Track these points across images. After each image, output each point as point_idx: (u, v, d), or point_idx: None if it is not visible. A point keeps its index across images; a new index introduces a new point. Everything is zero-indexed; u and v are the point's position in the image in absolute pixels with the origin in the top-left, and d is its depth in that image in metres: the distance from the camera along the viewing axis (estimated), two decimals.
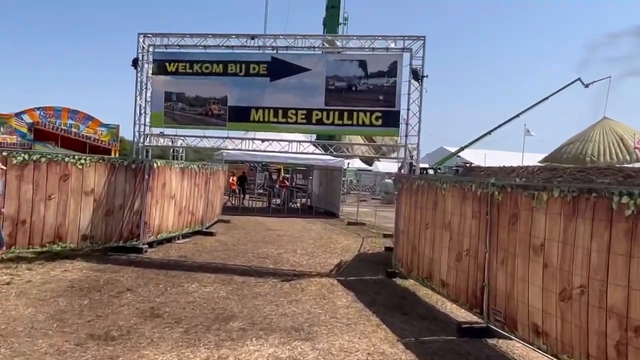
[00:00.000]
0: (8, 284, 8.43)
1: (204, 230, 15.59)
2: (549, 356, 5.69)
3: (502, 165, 37.03)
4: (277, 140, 12.63)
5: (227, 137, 12.54)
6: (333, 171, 24.77)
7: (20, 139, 37.25)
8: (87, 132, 38.98)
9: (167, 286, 8.99)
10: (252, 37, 11.91)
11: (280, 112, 11.74)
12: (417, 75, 10.98)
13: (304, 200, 28.91)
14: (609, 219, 4.90)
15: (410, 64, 11.17)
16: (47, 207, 10.34)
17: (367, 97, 11.31)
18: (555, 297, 5.54)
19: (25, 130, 37.87)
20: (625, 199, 4.73)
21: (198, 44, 12.24)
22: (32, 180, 10.09)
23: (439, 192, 8.78)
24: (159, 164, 12.49)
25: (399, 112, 11.28)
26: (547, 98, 52.16)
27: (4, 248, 9.64)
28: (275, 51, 11.87)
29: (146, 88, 12.46)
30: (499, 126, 51.72)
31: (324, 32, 41.21)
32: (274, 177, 32.46)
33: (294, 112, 11.69)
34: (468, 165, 42.63)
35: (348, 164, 43.61)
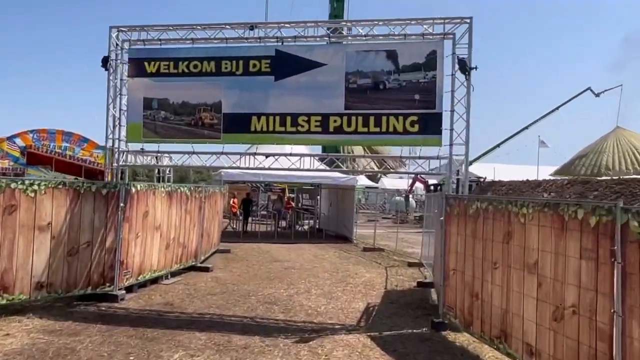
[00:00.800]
0: None
1: (199, 265, 13.10)
2: None
3: (525, 179, 34.57)
4: (286, 155, 10.20)
5: (222, 153, 10.09)
6: (344, 190, 22.32)
7: (13, 164, 35.31)
8: (83, 154, 36.97)
9: (139, 359, 6.49)
10: (252, 27, 9.54)
11: (288, 119, 9.34)
12: (464, 67, 8.58)
13: (311, 222, 26.41)
14: None
15: (454, 53, 8.78)
16: None
17: (399, 97, 8.92)
18: None
19: (17, 154, 36.07)
20: None
21: (184, 37, 9.89)
22: None
23: (515, 219, 6.31)
24: (138, 188, 10.05)
25: (440, 114, 8.86)
26: (557, 108, 50.32)
27: None
28: (280, 43, 9.53)
29: (120, 94, 10.09)
30: (508, 138, 49.62)
31: None
32: (284, 198, 29.99)
33: (305, 118, 9.30)
34: (482, 179, 40.19)
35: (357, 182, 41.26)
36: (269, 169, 10.41)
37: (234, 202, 26.62)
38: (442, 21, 8.89)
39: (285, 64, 9.34)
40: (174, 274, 11.89)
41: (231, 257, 15.78)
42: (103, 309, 8.88)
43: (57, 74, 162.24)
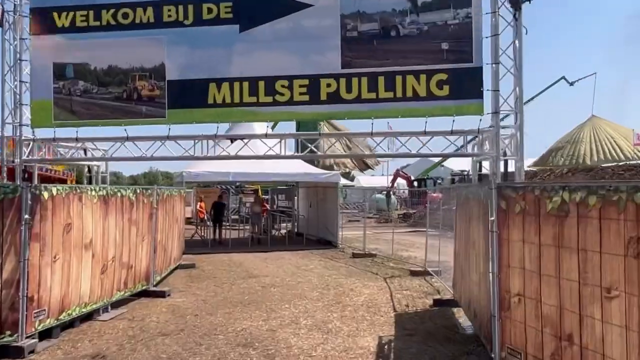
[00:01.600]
0: None
1: (152, 289, 10.24)
2: None
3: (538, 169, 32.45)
4: (260, 137, 7.42)
5: (169, 138, 7.27)
6: (325, 189, 19.62)
7: None
8: None
9: None
10: None
11: (261, 85, 6.68)
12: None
13: (288, 225, 23.61)
14: None
15: None
16: None
17: (419, 46, 6.36)
18: None
19: None
20: None
21: None
22: None
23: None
24: (54, 193, 7.17)
25: (480, 70, 6.27)
26: (532, 99, 49.10)
27: None
28: None
29: (21, 60, 7.18)
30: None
31: None
32: (266, 201, 27.05)
33: (286, 83, 6.65)
34: (466, 172, 38.09)
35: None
36: (238, 157, 7.60)
37: (201, 207, 23.66)
38: None
39: (255, 6, 6.61)
40: (116, 305, 9.03)
41: (196, 274, 12.92)
42: None
43: None
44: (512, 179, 8.01)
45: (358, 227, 25.87)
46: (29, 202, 6.71)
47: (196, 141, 7.51)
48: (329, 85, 6.48)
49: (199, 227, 23.65)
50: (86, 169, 9.37)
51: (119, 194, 8.93)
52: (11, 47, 7.18)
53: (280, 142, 7.38)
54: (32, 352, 6.63)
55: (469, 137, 7.41)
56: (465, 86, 6.28)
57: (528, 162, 50.26)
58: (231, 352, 6.74)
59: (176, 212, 12.83)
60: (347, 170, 48.56)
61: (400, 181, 37.84)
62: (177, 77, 6.85)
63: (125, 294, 9.22)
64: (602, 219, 4.26)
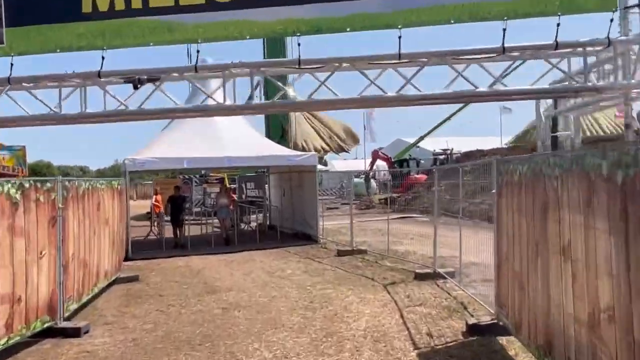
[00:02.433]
0: None
1: (61, 326, 7.12)
2: None
3: (513, 145, 30.09)
4: (184, 73, 4.34)
5: (10, 82, 4.13)
6: (301, 174, 16.64)
7: None
8: None
9: None
10: None
11: None
12: None
13: (259, 216, 20.50)
14: None
15: None
16: None
17: None
18: None
19: None
20: None
21: None
22: None
23: None
24: None
25: None
26: (508, 73, 47.19)
27: None
28: None
29: None
30: (460, 109, 45.92)
31: None
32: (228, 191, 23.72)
33: None
34: (449, 151, 35.56)
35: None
36: (140, 113, 4.49)
37: (157, 201, 20.36)
38: None
39: None
40: (4, 353, 5.93)
41: (137, 290, 9.83)
42: None
43: None
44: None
45: (338, 216, 22.94)
46: None
47: (63, 85, 4.32)
48: None
49: (154, 224, 20.43)
50: None
51: None
52: None
53: (223, 84, 4.31)
54: None
55: (575, 63, 4.51)
56: None
57: (506, 140, 48.41)
58: None
59: (106, 212, 9.65)
60: (320, 154, 45.72)
61: (380, 163, 35.00)
62: None
63: (9, 342, 6.09)
64: None
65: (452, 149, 35.25)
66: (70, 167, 74.95)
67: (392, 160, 34.15)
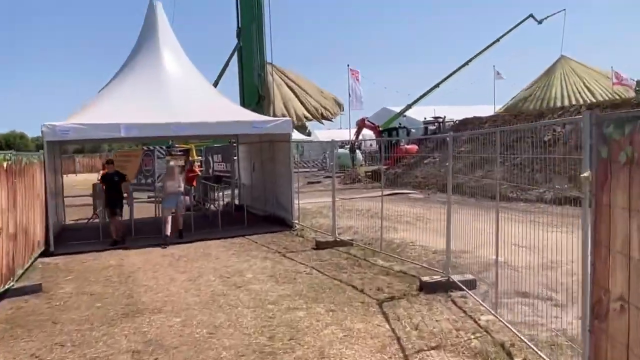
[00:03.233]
0: None
1: None
2: None
3: (515, 114, 27.41)
4: None
5: None
6: (273, 145, 13.68)
7: None
8: None
9: None
10: None
11: None
12: None
13: (227, 193, 17.52)
14: None
15: None
16: None
17: None
18: None
19: None
20: None
21: None
22: None
23: None
24: None
25: None
26: (498, 40, 44.41)
27: None
28: None
29: None
30: (449, 76, 43.43)
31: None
32: (189, 164, 20.52)
33: None
34: (442, 119, 32.76)
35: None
36: None
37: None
38: None
39: None
40: None
41: (27, 312, 6.91)
42: None
43: None
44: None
45: (320, 191, 20.19)
46: None
47: None
48: None
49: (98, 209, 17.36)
50: None
51: None
52: None
53: None
54: None
55: None
56: None
57: (498, 108, 45.83)
58: None
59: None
60: (302, 122, 42.65)
61: (366, 132, 32.02)
62: None
63: None
64: None
65: (445, 117, 32.39)
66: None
67: (380, 129, 31.20)
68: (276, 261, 9.38)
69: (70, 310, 6.89)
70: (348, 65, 35.44)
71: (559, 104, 40.24)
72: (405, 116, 41.40)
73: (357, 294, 7.10)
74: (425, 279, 7.23)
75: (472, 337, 5.33)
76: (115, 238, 11.33)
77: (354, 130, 33.72)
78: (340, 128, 53.91)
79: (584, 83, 44.86)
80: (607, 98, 38.10)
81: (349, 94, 34.71)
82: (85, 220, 15.18)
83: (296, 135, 45.90)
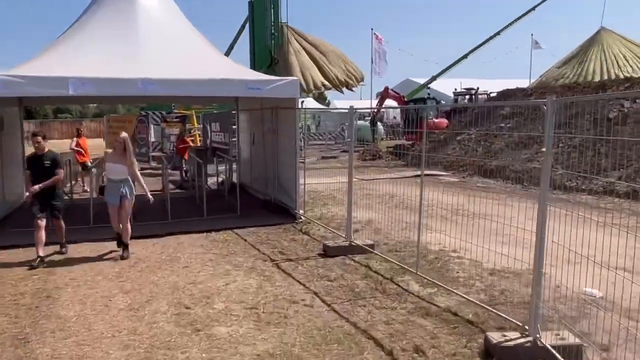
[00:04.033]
0: None
1: None
2: None
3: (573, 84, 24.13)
4: None
5: None
6: (277, 111, 10.76)
7: None
8: None
9: None
10: None
11: None
12: None
13: (221, 171, 14.70)
14: None
15: None
16: None
17: None
18: None
19: None
20: None
21: None
22: None
23: None
24: None
25: None
26: (534, 9, 40.54)
27: None
28: None
29: None
30: (478, 46, 39.97)
31: None
32: (184, 134, 17.69)
33: None
34: (473, 91, 29.42)
35: (303, 101, 29.46)
36: None
37: (79, 145, 14.41)
38: None
39: None
40: None
41: None
42: None
43: None
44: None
45: (336, 169, 17.17)
46: None
47: None
48: None
49: (80, 180, 14.75)
50: None
51: None
52: None
53: None
54: None
55: None
56: None
57: (527, 84, 42.29)
58: None
59: None
60: (321, 91, 39.56)
61: (390, 102, 28.78)
62: None
63: None
64: None
65: (478, 88, 29.04)
66: None
67: (406, 99, 27.99)
68: (265, 276, 6.61)
69: None
70: (372, 29, 32.17)
71: (597, 78, 36.89)
72: (429, 88, 38.23)
73: (382, 358, 4.30)
74: (494, 338, 4.37)
75: None
76: (59, 249, 7.91)
77: (375, 102, 30.54)
78: (361, 99, 50.62)
79: (624, 57, 41.23)
80: None
81: (372, 60, 31.49)
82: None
83: (314, 104, 42.80)
